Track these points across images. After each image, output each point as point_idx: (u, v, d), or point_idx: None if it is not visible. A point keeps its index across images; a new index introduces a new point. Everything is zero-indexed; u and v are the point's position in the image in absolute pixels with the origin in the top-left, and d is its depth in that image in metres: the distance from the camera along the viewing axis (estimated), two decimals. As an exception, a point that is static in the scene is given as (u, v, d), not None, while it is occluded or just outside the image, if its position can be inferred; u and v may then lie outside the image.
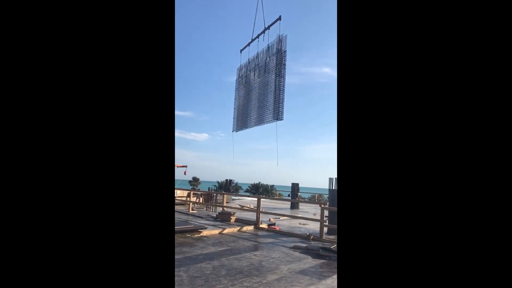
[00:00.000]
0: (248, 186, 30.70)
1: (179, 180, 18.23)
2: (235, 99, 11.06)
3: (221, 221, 10.38)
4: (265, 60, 8.65)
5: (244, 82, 10.33)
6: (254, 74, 9.42)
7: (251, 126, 9.64)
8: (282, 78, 7.90)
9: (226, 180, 19.25)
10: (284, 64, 7.93)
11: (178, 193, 16.19)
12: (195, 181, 28.30)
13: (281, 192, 27.96)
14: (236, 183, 26.23)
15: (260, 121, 8.99)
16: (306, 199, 23.39)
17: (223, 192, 16.41)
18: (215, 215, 11.35)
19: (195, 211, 12.88)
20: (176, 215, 11.04)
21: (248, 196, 21.92)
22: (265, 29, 8.56)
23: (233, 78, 11.45)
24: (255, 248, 6.97)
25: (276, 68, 8.03)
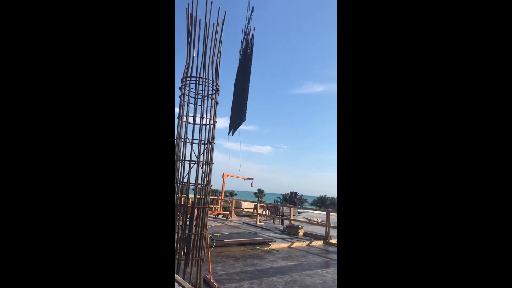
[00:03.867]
0: (314, 199, 29.83)
1: (245, 192, 18.72)
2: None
3: (289, 234, 10.25)
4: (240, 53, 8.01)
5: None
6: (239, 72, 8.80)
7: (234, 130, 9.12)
8: (248, 76, 7.26)
9: (291, 192, 19.07)
10: (250, 58, 7.18)
11: (245, 204, 16.62)
12: (260, 193, 28.74)
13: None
14: (301, 196, 25.75)
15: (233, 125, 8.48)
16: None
17: (288, 205, 16.27)
18: (282, 228, 11.28)
19: (263, 224, 13.01)
20: (245, 227, 11.31)
21: (315, 210, 21.28)
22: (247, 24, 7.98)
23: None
24: (327, 265, 6.67)
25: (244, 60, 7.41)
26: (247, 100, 7.59)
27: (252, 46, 7.02)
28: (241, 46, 7.78)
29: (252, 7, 6.99)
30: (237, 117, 8.33)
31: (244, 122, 7.72)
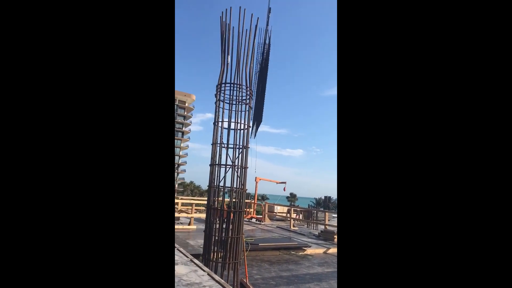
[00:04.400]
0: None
1: (278, 196, 18.64)
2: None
3: (324, 239, 10.01)
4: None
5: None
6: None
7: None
8: (265, 77, 6.95)
9: (325, 197, 18.64)
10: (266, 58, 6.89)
11: (278, 208, 16.55)
12: (292, 197, 28.45)
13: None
14: (335, 200, 25.07)
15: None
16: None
17: (322, 209, 15.91)
18: (317, 233, 11.05)
19: (296, 228, 12.85)
20: (279, 231, 11.25)
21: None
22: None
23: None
24: (366, 273, 6.39)
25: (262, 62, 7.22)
26: (263, 101, 7.57)
27: (269, 46, 7.02)
28: (261, 48, 7.82)
29: (269, 8, 7.01)
30: (256, 119, 8.33)
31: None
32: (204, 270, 2.30)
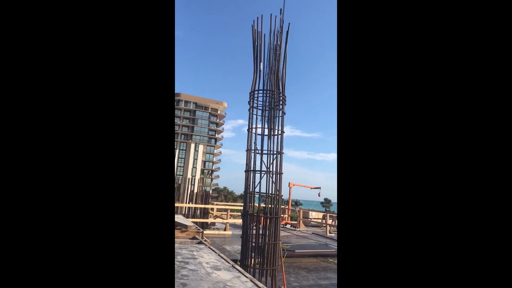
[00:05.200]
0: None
1: (312, 201, 18.30)
2: None
3: (363, 247, 9.60)
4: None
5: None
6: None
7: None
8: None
9: (362, 202, 17.89)
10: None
11: (313, 214, 16.22)
12: (327, 203, 27.73)
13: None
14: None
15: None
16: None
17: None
18: (355, 240, 10.63)
19: (333, 234, 12.49)
20: (315, 238, 11.01)
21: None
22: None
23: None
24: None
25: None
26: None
27: (279, 46, 6.92)
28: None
29: (281, 9, 7.00)
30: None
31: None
32: (246, 277, 2.32)
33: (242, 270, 2.50)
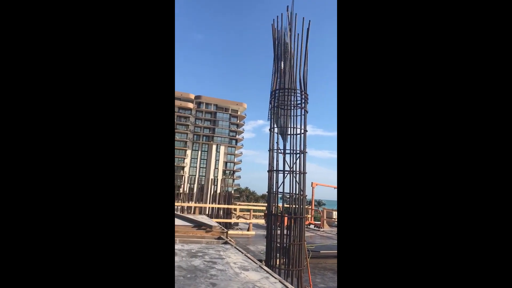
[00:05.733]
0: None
1: (336, 201, 17.95)
2: None
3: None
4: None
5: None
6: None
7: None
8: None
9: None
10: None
11: (337, 214, 15.92)
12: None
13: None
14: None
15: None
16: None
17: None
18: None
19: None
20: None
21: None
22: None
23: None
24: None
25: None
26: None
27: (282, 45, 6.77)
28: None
29: (288, 6, 6.87)
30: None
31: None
32: (275, 278, 2.29)
33: (271, 271, 2.48)
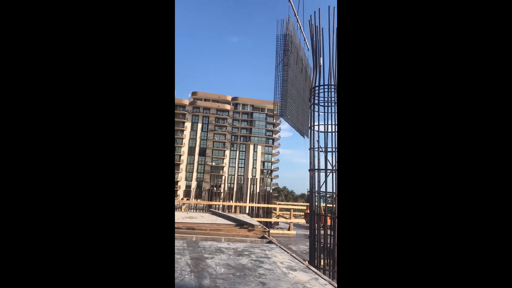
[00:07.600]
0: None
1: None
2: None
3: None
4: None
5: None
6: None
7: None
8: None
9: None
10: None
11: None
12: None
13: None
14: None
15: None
16: None
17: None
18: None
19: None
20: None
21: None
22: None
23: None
24: None
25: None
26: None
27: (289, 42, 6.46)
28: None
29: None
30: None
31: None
32: (325, 279, 2.23)
33: (319, 273, 2.42)
